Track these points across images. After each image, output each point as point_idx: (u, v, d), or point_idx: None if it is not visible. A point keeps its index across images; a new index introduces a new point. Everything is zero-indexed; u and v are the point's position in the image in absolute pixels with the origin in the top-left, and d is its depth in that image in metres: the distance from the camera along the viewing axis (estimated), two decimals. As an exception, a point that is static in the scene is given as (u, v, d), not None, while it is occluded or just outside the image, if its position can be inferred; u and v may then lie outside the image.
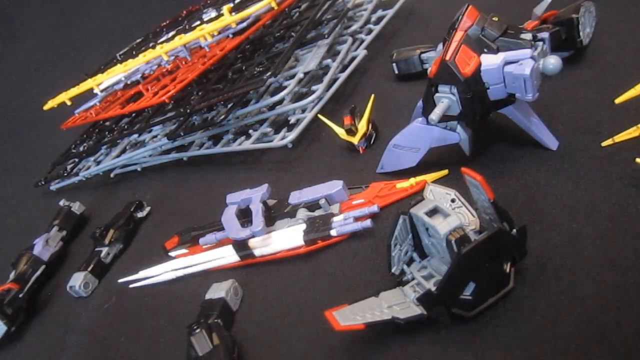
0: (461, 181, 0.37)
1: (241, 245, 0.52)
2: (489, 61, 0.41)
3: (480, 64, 0.41)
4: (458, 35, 0.42)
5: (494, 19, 0.42)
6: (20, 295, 0.64)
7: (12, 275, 0.67)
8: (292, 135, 0.63)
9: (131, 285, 0.60)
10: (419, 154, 0.49)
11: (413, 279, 0.39)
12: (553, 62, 0.40)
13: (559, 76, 0.53)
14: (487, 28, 0.42)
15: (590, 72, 0.52)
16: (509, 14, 0.65)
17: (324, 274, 0.47)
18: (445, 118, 0.44)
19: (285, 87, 0.67)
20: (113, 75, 0.87)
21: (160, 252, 0.60)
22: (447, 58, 0.42)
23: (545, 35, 0.43)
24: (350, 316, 0.36)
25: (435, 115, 0.43)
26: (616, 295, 0.33)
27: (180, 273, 0.57)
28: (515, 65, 0.40)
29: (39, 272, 0.68)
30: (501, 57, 0.41)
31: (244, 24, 0.75)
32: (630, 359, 0.30)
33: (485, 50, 0.42)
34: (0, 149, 1.28)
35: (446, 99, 0.43)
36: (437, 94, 0.44)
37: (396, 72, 0.67)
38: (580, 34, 0.52)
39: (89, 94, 0.93)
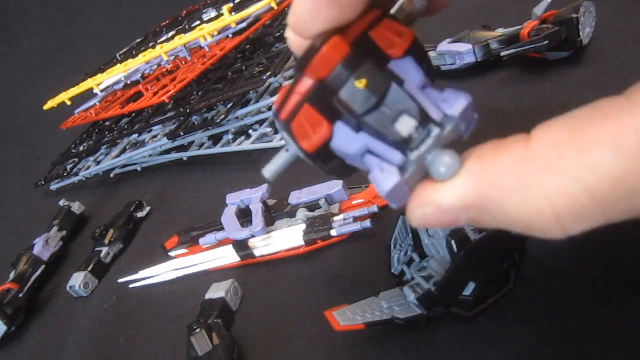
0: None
1: (241, 246, 0.52)
2: (344, 141, 0.24)
3: (330, 139, 0.24)
4: (304, 86, 0.24)
5: (361, 82, 0.22)
6: (20, 295, 0.64)
7: (12, 275, 0.67)
8: (292, 135, 0.63)
9: (131, 285, 0.60)
10: None
11: (413, 279, 0.39)
12: (448, 162, 0.21)
13: (559, 76, 0.54)
14: (355, 90, 0.23)
15: (590, 72, 0.52)
16: (509, 14, 0.65)
17: (324, 274, 0.47)
18: None
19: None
20: (113, 75, 0.87)
21: (160, 252, 0.60)
22: (281, 117, 0.25)
23: (454, 112, 0.22)
24: (350, 316, 0.36)
25: (268, 172, 0.27)
26: (616, 296, 0.33)
27: (180, 273, 0.57)
28: (377, 169, 0.24)
29: (39, 272, 0.68)
30: (361, 141, 0.24)
31: (244, 24, 0.75)
32: (630, 359, 0.30)
33: (344, 119, 0.24)
34: (0, 149, 1.28)
35: (287, 152, 0.27)
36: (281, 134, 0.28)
37: (396, 72, 0.66)
38: (580, 34, 0.52)
39: (89, 94, 0.93)
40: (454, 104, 0.22)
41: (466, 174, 0.21)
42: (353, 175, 0.27)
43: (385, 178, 0.24)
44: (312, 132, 0.24)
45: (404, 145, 0.22)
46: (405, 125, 0.22)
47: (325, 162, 0.26)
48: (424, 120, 0.22)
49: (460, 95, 0.22)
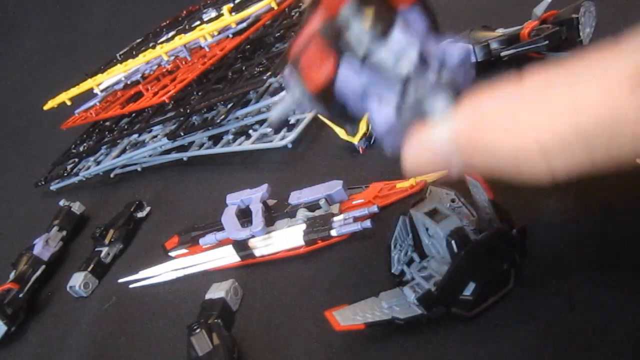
0: (461, 181, 0.37)
1: (241, 246, 0.52)
2: (347, 80, 0.25)
3: (334, 78, 0.25)
4: (314, 24, 0.25)
5: (367, 21, 0.23)
6: (20, 295, 0.64)
7: (12, 275, 0.67)
8: (292, 136, 0.63)
9: (131, 285, 0.60)
10: None
11: (413, 279, 0.39)
12: (442, 103, 0.23)
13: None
14: (361, 30, 0.23)
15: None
16: (509, 14, 0.65)
17: (324, 274, 0.47)
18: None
19: (285, 87, 0.67)
20: (113, 75, 0.87)
21: (160, 252, 0.60)
22: (290, 56, 0.27)
23: (452, 59, 0.24)
24: (350, 316, 0.36)
25: (273, 116, 0.30)
26: (616, 295, 0.33)
27: (180, 273, 0.57)
28: (375, 106, 0.25)
29: (39, 272, 0.68)
30: (363, 80, 0.25)
31: (244, 24, 0.75)
32: (630, 359, 0.30)
33: (348, 59, 0.25)
34: (0, 149, 1.28)
35: (291, 97, 0.28)
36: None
37: (396, 72, 0.67)
38: (580, 34, 0.52)
39: (89, 94, 0.93)
40: (453, 52, 0.24)
41: (458, 113, 0.22)
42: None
43: (381, 114, 0.25)
44: (318, 70, 0.25)
45: (402, 85, 0.24)
46: (405, 67, 0.23)
47: (328, 104, 0.27)
48: (423, 64, 0.24)
49: (459, 46, 0.24)
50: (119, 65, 0.88)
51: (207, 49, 0.78)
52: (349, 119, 0.28)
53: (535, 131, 0.19)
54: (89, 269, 0.63)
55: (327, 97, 0.26)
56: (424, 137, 0.23)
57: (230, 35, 0.78)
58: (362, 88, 0.25)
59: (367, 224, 0.47)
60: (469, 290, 0.35)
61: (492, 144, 0.21)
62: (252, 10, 0.73)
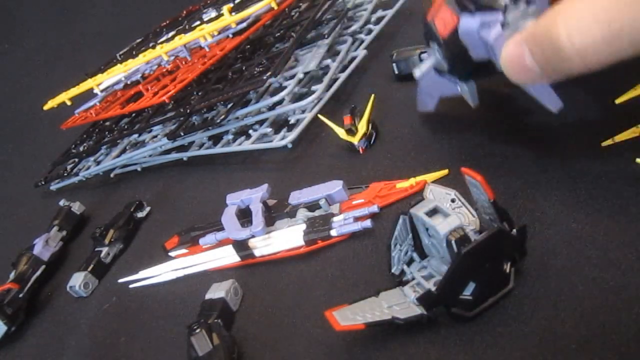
0: (461, 181, 0.37)
1: (241, 246, 0.52)
2: (467, 25, 0.39)
3: (457, 26, 0.39)
4: None
5: None
6: (20, 295, 0.64)
7: (12, 275, 0.67)
8: (292, 136, 0.63)
9: (131, 285, 0.60)
10: (434, 100, 0.52)
11: (413, 279, 0.39)
12: (528, 23, 0.35)
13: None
14: None
15: (590, 72, 0.52)
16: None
17: (324, 274, 0.47)
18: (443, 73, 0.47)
19: (285, 88, 0.67)
20: (113, 75, 0.87)
21: (160, 252, 0.60)
22: (429, 18, 0.44)
23: None
24: (350, 316, 0.36)
25: (418, 70, 0.47)
26: (616, 295, 0.33)
27: (180, 273, 0.57)
28: (486, 30, 0.37)
29: (39, 272, 0.68)
30: (478, 20, 0.37)
31: (244, 24, 0.75)
32: (630, 359, 0.30)
33: (463, 9, 0.39)
34: (0, 149, 1.28)
35: (433, 56, 0.45)
36: (428, 49, 0.46)
37: (396, 72, 0.67)
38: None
39: (89, 94, 0.93)
40: None
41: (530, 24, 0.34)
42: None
43: (490, 32, 0.36)
44: (446, 23, 0.40)
45: (503, 13, 0.35)
46: (503, 1, 0.35)
47: (455, 48, 0.40)
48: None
49: None
50: (119, 65, 0.88)
51: (207, 49, 0.78)
52: (469, 67, 0.42)
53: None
54: (89, 269, 0.63)
55: (455, 44, 0.40)
56: (513, 40, 0.34)
57: (230, 35, 0.77)
58: (477, 25, 0.37)
59: (367, 223, 0.47)
60: (469, 290, 0.35)
61: (547, 38, 0.31)
62: (252, 10, 0.73)
